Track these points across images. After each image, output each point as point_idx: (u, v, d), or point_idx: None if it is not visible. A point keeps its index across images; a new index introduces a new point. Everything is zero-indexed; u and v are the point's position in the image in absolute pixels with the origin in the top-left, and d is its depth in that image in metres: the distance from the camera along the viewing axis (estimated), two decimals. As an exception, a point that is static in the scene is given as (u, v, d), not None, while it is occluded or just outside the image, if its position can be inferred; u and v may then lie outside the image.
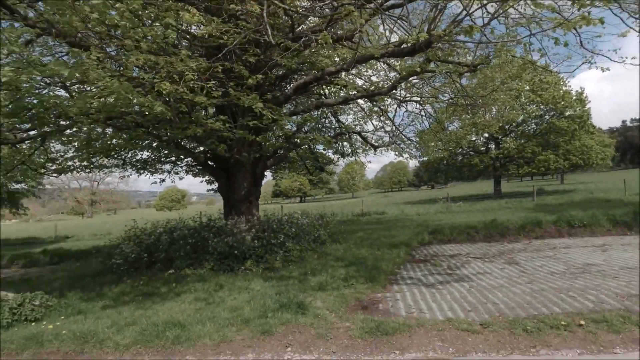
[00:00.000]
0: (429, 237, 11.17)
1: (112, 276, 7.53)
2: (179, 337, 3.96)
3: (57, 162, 10.10)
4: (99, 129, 6.88)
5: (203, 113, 6.34)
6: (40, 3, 5.47)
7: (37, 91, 5.07)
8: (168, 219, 9.37)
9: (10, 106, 4.87)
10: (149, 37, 4.37)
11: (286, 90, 7.60)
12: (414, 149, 15.08)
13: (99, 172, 11.79)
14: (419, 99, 11.54)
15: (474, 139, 28.31)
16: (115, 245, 8.69)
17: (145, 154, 11.76)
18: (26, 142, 8.42)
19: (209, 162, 8.65)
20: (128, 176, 12.03)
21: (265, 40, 6.58)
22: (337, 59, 9.00)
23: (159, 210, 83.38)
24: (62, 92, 6.84)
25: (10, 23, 4.72)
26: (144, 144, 7.62)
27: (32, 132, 8.59)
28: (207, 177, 14.35)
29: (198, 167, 13.17)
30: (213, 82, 4.57)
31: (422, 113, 12.76)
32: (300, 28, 7.64)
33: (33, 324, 4.63)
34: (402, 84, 8.74)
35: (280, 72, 8.19)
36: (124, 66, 4.37)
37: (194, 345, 3.88)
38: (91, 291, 6.44)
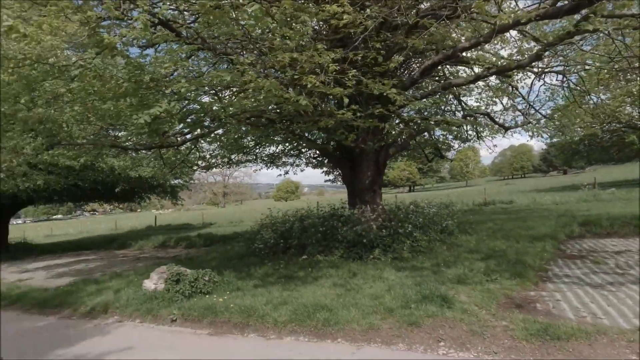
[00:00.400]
0: (580, 229, 9.52)
1: (255, 258, 8.44)
2: (329, 320, 4.17)
3: (206, 159, 11.85)
4: (243, 128, 7.71)
5: (332, 104, 6.53)
6: (194, 24, 6.37)
7: (199, 98, 5.94)
8: (296, 209, 10.05)
9: (180, 113, 5.83)
10: (287, 36, 4.64)
11: (411, 74, 7.28)
12: (553, 128, 13.01)
13: (236, 166, 13.38)
14: (561, 68, 9.82)
15: (628, 109, 22.78)
16: (254, 231, 9.75)
17: (271, 149, 12.94)
18: (185, 144, 10.06)
19: (334, 153, 8.94)
20: (259, 169, 13.42)
21: (389, 24, 6.41)
22: (454, 35, 8.25)
23: (276, 200, 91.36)
24: (206, 99, 7.91)
25: (177, 43, 5.60)
26: (275, 139, 8.28)
27: (188, 136, 10.20)
28: (324, 169, 15.02)
29: (318, 159, 13.86)
30: (355, 70, 4.63)
31: (566, 84, 10.82)
32: (422, 6, 7.22)
33: (207, 296, 5.49)
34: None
35: (401, 57, 7.90)
36: (269, 66, 4.77)
37: (343, 329, 4.03)
38: (241, 271, 7.31)
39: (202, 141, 10.70)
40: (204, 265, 7.91)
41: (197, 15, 6.05)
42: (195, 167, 12.66)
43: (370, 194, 8.70)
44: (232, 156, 12.28)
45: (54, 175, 11.70)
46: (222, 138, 8.14)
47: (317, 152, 13.19)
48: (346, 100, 4.74)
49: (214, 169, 14.39)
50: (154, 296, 5.59)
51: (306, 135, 7.98)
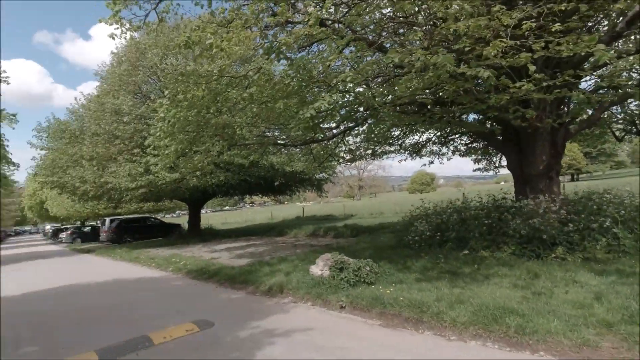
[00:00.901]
0: None
1: (408, 251, 8.16)
2: (523, 328, 3.56)
3: (352, 152, 12.16)
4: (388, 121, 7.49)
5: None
6: (344, 17, 6.42)
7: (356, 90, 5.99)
8: (450, 200, 9.31)
9: (338, 106, 6.00)
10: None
11: (604, 27, 5.72)
12: None
13: (379, 158, 13.34)
14: None
15: None
16: (405, 223, 9.49)
17: (415, 138, 12.39)
18: (334, 138, 10.51)
19: (496, 136, 7.87)
20: (404, 160, 13.00)
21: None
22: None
23: (411, 193, 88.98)
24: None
25: (335, 38, 5.74)
26: (426, 126, 7.77)
27: (334, 131, 10.62)
28: (474, 157, 13.59)
29: (469, 145, 12.61)
30: (559, 25, 3.83)
31: None
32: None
33: (372, 286, 5.51)
34: None
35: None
36: (439, 40, 4.38)
37: (544, 340, 3.37)
38: (396, 263, 7.12)
39: (347, 134, 11.01)
40: (357, 254, 8.05)
41: (349, 7, 6.09)
42: (341, 160, 13.14)
43: (545, 182, 7.34)
44: (377, 147, 12.29)
45: (230, 173, 13.97)
46: (373, 128, 8.09)
47: (469, 137, 12.00)
48: (532, 68, 3.94)
49: (353, 163, 14.76)
50: (321, 282, 5.91)
51: (463, 118, 7.22)
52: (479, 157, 13.57)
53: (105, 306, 6.54)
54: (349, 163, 14.20)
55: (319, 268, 6.19)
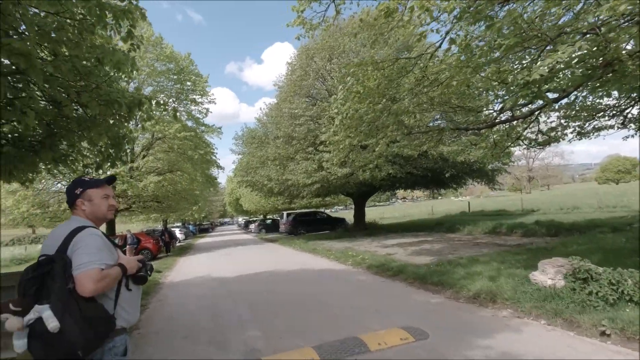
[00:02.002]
0: None
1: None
2: None
3: (547, 132, 9.82)
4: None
5: None
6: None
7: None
8: None
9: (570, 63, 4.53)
10: None
11: None
12: None
13: (588, 137, 10.44)
14: None
15: None
16: None
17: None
18: (530, 116, 8.60)
19: None
20: (632, 136, 9.74)
21: None
22: None
23: (601, 183, 70.57)
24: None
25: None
26: None
27: (524, 109, 8.73)
28: None
29: None
30: None
31: None
32: None
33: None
34: None
35: None
36: None
37: None
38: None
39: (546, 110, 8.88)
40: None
41: None
42: (533, 144, 10.84)
43: None
44: (586, 124, 9.61)
45: (397, 165, 13.45)
46: (610, 91, 6.05)
47: None
48: None
49: (547, 146, 12.05)
50: (554, 294, 4.58)
51: None
52: None
53: (304, 294, 6.79)
54: (540, 147, 11.61)
55: (549, 276, 4.84)
